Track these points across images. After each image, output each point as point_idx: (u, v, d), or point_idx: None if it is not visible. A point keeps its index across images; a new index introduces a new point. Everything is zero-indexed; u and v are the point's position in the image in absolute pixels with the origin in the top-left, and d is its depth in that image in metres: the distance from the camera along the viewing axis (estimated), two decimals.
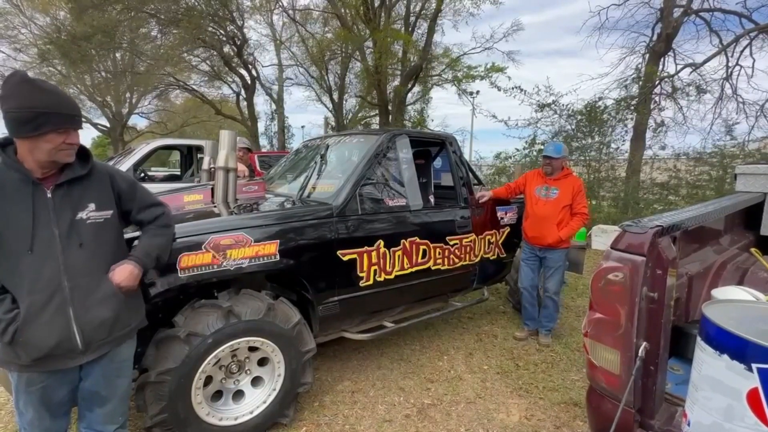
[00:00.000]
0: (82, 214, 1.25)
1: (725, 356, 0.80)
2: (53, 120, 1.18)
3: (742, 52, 9.29)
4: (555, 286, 3.10)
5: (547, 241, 3.03)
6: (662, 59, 9.57)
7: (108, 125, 21.31)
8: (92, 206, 1.28)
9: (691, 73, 9.30)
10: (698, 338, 0.89)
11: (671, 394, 1.21)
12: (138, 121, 24.89)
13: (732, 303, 1.01)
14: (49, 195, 1.21)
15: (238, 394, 1.98)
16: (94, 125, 22.04)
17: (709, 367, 0.83)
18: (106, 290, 1.29)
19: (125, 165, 4.79)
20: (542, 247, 3.08)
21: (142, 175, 5.68)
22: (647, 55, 9.79)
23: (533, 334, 3.28)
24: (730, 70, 9.40)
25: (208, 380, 1.85)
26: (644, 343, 1.07)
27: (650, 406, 1.11)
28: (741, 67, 9.42)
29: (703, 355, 0.86)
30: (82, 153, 1.30)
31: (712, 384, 0.82)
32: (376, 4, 12.13)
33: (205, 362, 1.75)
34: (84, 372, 1.33)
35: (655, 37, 9.69)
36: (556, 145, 3.13)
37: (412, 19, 13.11)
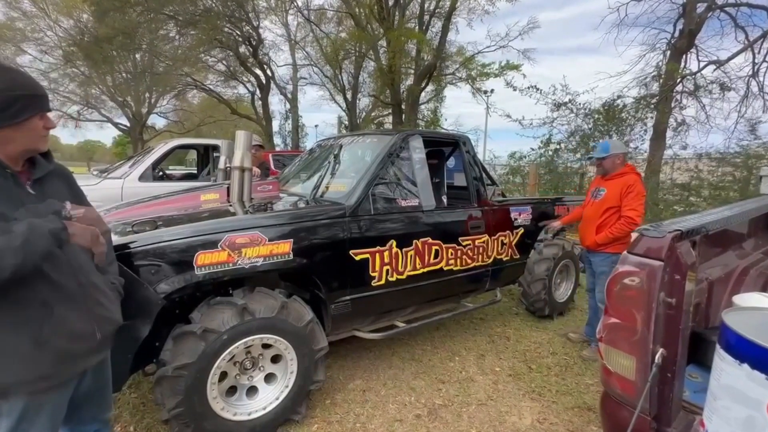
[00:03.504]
0: (64, 212, 1.14)
1: (746, 365, 0.78)
2: (34, 103, 1.05)
3: None
4: (600, 293, 2.89)
5: (585, 243, 2.96)
6: (684, 56, 9.28)
7: (128, 124, 21.91)
8: (68, 204, 1.16)
9: (714, 70, 8.99)
10: (717, 346, 0.87)
11: (689, 402, 1.18)
12: (157, 121, 25.52)
13: (753, 310, 0.98)
14: (31, 191, 1.09)
15: (252, 390, 2.01)
16: (115, 125, 22.70)
17: (729, 376, 0.81)
18: (109, 287, 1.26)
19: (145, 164, 4.91)
20: (587, 249, 2.98)
21: (161, 173, 5.82)
22: (668, 52, 9.51)
23: (588, 341, 3.12)
24: (756, 67, 9.05)
25: (223, 376, 1.89)
26: (661, 350, 1.05)
27: (667, 413, 1.09)
28: None
29: (723, 363, 0.83)
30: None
31: (732, 394, 0.80)
32: (390, 3, 12.12)
33: (220, 358, 1.78)
34: (79, 379, 1.25)
35: (677, 34, 9.40)
36: (603, 144, 2.94)
37: (426, 17, 13.05)
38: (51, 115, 1.15)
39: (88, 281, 1.18)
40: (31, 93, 1.06)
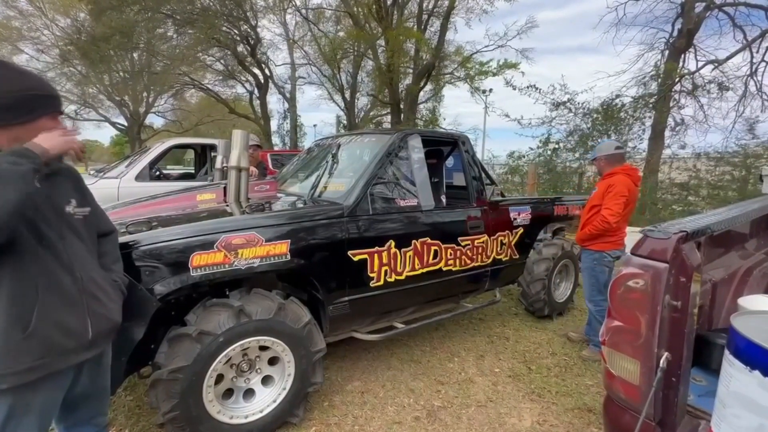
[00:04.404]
0: (69, 209, 1.18)
1: (757, 372, 0.75)
2: (46, 103, 1.08)
3: None
4: (586, 290, 3.00)
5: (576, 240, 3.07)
6: (683, 55, 9.29)
7: (126, 124, 21.82)
8: (74, 202, 1.20)
9: (713, 69, 9.01)
10: (726, 351, 0.84)
11: (694, 407, 1.16)
12: (155, 120, 25.48)
13: (763, 314, 0.96)
14: (37, 185, 1.08)
15: (249, 393, 1.99)
16: (113, 124, 22.60)
17: (739, 383, 0.79)
18: (110, 285, 1.27)
19: (142, 163, 4.87)
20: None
21: (158, 173, 5.77)
22: (667, 52, 9.52)
23: (587, 341, 3.10)
24: (754, 67, 9.08)
25: (219, 378, 1.86)
26: (666, 354, 1.03)
27: (671, 419, 1.07)
28: (767, 63, 9.08)
29: (732, 370, 0.81)
30: None
31: (742, 401, 0.78)
32: (389, 3, 12.10)
33: (216, 361, 1.75)
34: (73, 378, 1.23)
35: (675, 33, 9.41)
36: (599, 145, 3.08)
37: (425, 17, 13.03)
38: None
39: (86, 276, 1.18)
40: (41, 93, 1.08)
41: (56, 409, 1.20)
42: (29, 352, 1.05)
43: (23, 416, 1.08)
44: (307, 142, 19.03)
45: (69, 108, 19.95)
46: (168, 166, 9.72)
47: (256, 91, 16.55)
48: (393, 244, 2.37)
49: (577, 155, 8.59)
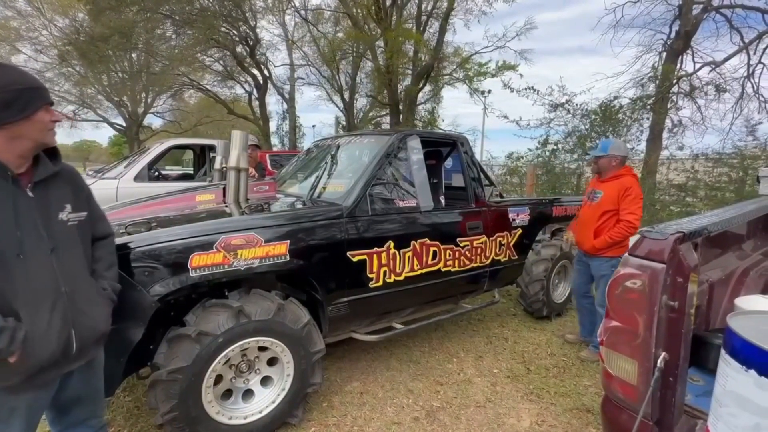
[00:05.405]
0: (62, 215, 1.15)
1: (752, 372, 0.76)
2: (40, 95, 1.07)
3: (765, 49, 9.00)
4: (600, 296, 2.87)
5: (584, 247, 2.92)
6: (680, 57, 9.33)
7: (124, 124, 21.77)
8: (69, 207, 1.17)
9: (710, 71, 9.05)
10: (722, 351, 0.85)
11: (691, 406, 1.17)
12: (153, 121, 25.40)
13: (759, 314, 0.97)
14: (30, 194, 1.08)
15: (248, 394, 1.99)
16: (111, 124, 22.54)
17: (735, 382, 0.79)
18: (98, 294, 1.24)
19: (140, 164, 4.86)
20: (585, 252, 2.94)
21: (157, 174, 5.76)
22: (664, 54, 9.56)
23: (586, 342, 3.10)
24: (751, 69, 9.11)
25: (218, 379, 1.86)
26: (663, 354, 1.03)
27: (669, 418, 1.07)
28: (764, 65, 9.12)
29: (728, 369, 0.81)
30: (50, 150, 1.18)
31: (738, 400, 0.78)
32: (388, 4, 12.13)
33: (216, 361, 1.75)
34: (62, 381, 1.22)
35: (672, 35, 9.45)
36: (603, 142, 2.91)
37: (424, 18, 13.05)
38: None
39: (72, 288, 1.15)
40: (32, 86, 1.07)
41: (42, 409, 1.19)
42: (6, 366, 1.04)
43: (8, 418, 1.09)
44: (306, 143, 19.03)
45: (67, 108, 19.91)
46: (167, 167, 9.70)
47: (255, 91, 16.53)
48: (392, 244, 2.37)
49: (575, 156, 8.61)
